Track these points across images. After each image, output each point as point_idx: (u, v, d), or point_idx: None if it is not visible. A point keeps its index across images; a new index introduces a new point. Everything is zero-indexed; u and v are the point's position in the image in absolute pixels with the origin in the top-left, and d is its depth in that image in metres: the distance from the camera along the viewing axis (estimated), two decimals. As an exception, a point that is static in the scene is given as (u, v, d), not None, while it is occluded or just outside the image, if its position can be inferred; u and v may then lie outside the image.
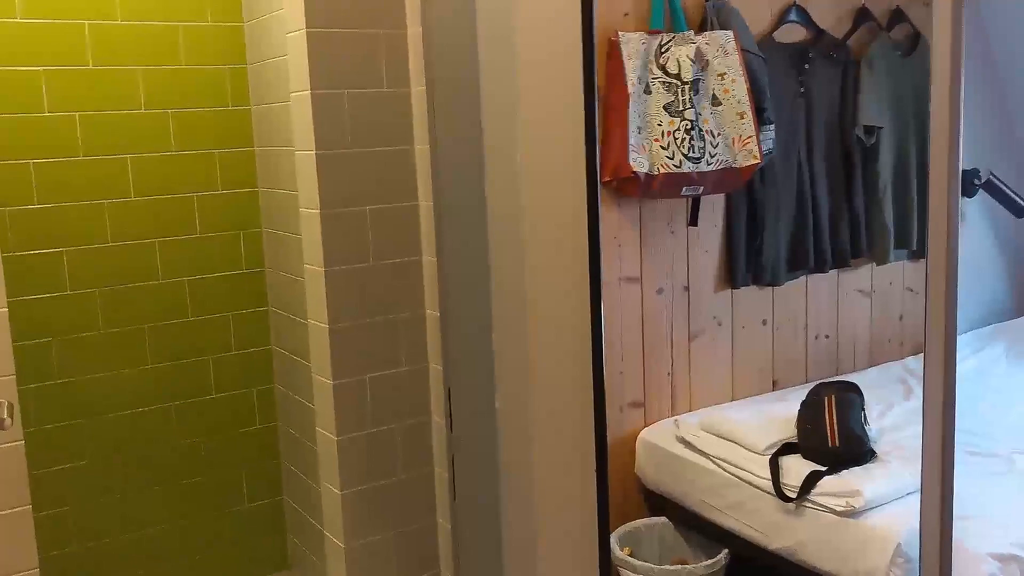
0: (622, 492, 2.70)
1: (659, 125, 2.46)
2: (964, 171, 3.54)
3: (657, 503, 2.69)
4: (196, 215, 2.84)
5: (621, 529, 2.61)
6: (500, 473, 1.32)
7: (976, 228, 3.48)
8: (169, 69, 2.75)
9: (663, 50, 2.49)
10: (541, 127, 1.29)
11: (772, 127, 2.67)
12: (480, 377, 1.34)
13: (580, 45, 1.26)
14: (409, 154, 2.47)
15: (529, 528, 1.43)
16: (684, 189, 2.54)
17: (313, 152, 2.33)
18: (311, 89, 2.30)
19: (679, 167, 2.47)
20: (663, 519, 2.66)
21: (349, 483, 2.41)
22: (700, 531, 2.56)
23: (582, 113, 1.26)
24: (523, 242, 1.27)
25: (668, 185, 2.50)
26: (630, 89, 2.43)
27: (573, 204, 1.29)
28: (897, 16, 3.05)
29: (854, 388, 2.43)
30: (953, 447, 1.59)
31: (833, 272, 3.04)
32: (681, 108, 2.48)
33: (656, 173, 2.45)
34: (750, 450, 2.40)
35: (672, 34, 2.52)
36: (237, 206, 2.89)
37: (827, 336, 3.07)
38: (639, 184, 2.47)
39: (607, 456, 1.37)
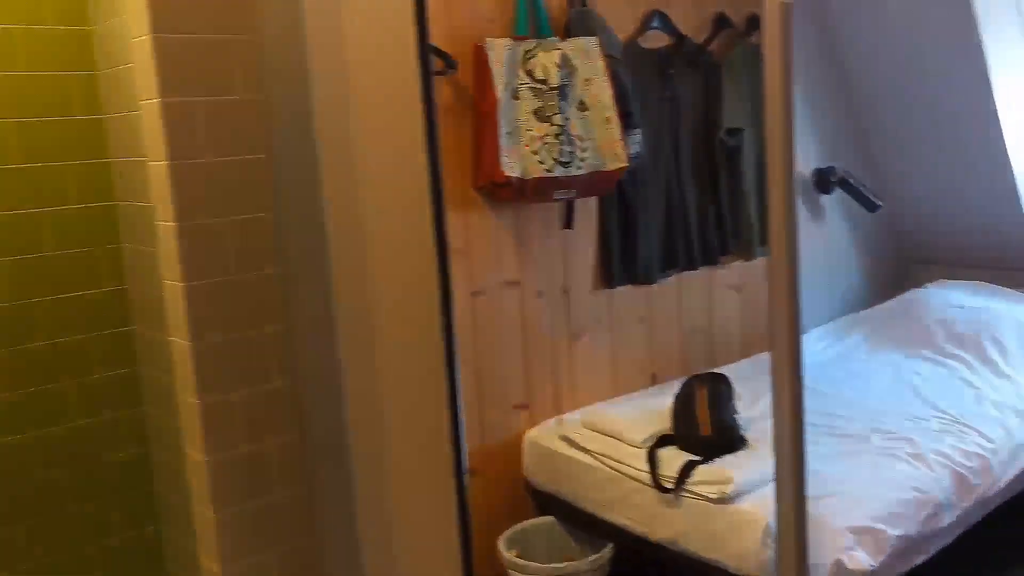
0: (510, 494, 2.82)
1: (529, 131, 2.59)
2: (820, 169, 3.85)
3: (545, 503, 2.81)
4: (47, 232, 2.79)
5: (510, 531, 2.72)
6: (354, 487, 1.38)
7: (834, 223, 3.77)
8: (6, 75, 2.69)
9: (529, 56, 2.62)
10: (378, 136, 1.35)
11: (639, 131, 2.84)
12: (329, 392, 1.38)
13: (415, 52, 1.33)
14: (267, 163, 2.49)
15: (388, 542, 1.48)
16: (556, 193, 2.67)
17: (165, 163, 2.33)
18: (160, 97, 2.30)
19: (550, 172, 2.60)
20: (551, 518, 2.79)
21: (223, 505, 2.42)
22: (587, 528, 2.69)
23: (421, 121, 1.33)
24: (366, 254, 1.33)
25: (541, 190, 2.63)
26: (498, 95, 2.55)
27: (417, 212, 1.36)
28: (755, 22, 3.28)
29: (724, 379, 2.61)
30: (803, 433, 1.76)
31: (704, 269, 3.25)
32: (549, 114, 2.62)
33: (528, 178, 2.58)
34: (629, 444, 2.55)
35: (538, 40, 2.65)
36: (93, 221, 2.85)
37: (701, 331, 3.28)
38: (512, 189, 2.59)
39: (463, 463, 1.44)
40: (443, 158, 2.59)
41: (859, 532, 2.18)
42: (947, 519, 2.40)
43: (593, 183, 2.71)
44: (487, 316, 2.72)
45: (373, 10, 1.35)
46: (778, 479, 1.81)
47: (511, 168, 2.56)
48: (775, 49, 1.74)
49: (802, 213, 3.63)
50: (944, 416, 2.75)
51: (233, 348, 2.40)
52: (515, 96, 2.60)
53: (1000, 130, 3.43)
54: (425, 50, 1.38)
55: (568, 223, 2.88)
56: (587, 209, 2.95)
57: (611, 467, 2.55)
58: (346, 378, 1.34)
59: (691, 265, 3.17)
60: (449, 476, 1.39)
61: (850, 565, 2.13)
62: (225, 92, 2.30)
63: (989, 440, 2.63)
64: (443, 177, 2.58)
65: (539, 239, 2.84)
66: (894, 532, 2.24)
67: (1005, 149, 3.47)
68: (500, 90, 2.57)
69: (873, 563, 2.17)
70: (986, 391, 2.93)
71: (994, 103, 3.39)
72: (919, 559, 2.37)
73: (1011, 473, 2.63)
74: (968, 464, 2.51)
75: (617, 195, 2.97)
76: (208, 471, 2.37)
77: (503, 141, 2.56)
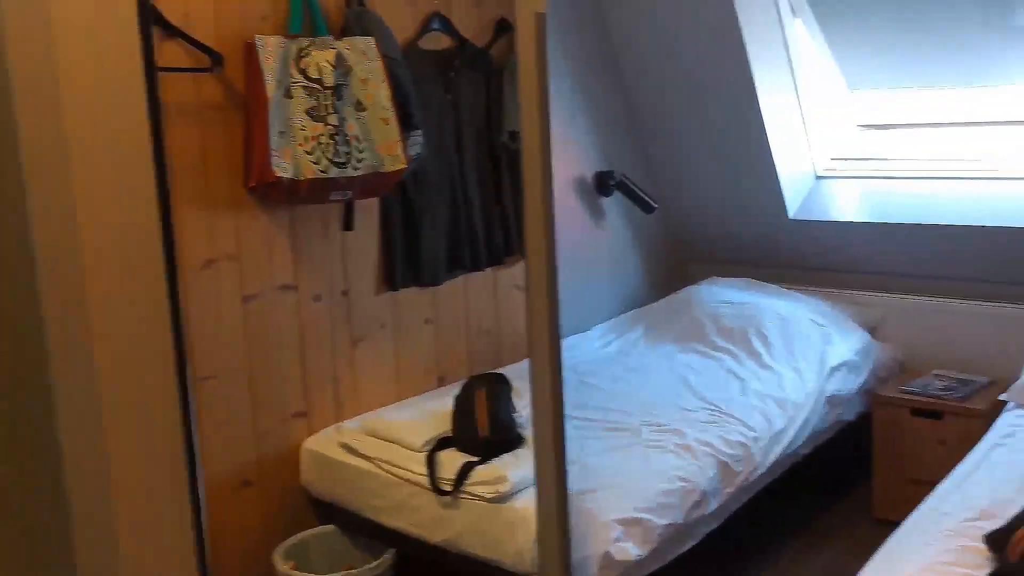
0: (289, 505, 2.72)
1: (302, 130, 2.51)
2: (600, 173, 3.97)
3: (326, 512, 2.75)
4: None
5: (287, 543, 2.63)
6: (73, 521, 1.27)
7: (616, 224, 3.91)
8: None
9: (303, 54, 2.54)
10: (95, 138, 1.26)
11: (420, 132, 2.81)
12: (40, 414, 1.27)
13: (139, 42, 1.25)
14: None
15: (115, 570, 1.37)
16: (333, 194, 2.61)
17: None
18: None
19: (325, 172, 2.53)
20: (331, 527, 2.72)
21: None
22: (368, 535, 2.64)
23: (146, 121, 1.26)
24: (83, 267, 1.24)
25: (315, 190, 2.56)
26: (269, 94, 2.46)
27: (143, 219, 1.28)
28: (535, 26, 3.35)
29: (502, 379, 2.63)
30: (563, 432, 1.80)
31: (490, 270, 3.27)
32: (324, 113, 2.55)
33: (302, 179, 2.50)
34: (409, 448, 2.53)
35: (312, 39, 2.58)
36: None
37: (488, 331, 3.30)
38: (285, 190, 2.51)
39: (199, 480, 1.36)
40: (211, 158, 2.49)
41: (627, 523, 2.25)
42: (712, 505, 2.53)
43: (371, 184, 2.67)
44: (261, 322, 2.63)
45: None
46: (538, 477, 1.85)
47: (283, 168, 2.48)
48: (529, 59, 1.77)
49: (584, 215, 3.74)
50: (711, 407, 2.89)
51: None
52: (288, 95, 2.51)
53: (767, 140, 3.66)
54: (149, 42, 1.29)
55: (348, 224, 2.83)
56: (369, 210, 2.91)
57: (390, 472, 2.53)
58: (58, 397, 1.24)
59: (476, 266, 3.19)
60: (184, 492, 1.32)
61: (618, 556, 2.19)
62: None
63: (751, 428, 2.79)
64: (210, 177, 2.48)
65: (317, 241, 2.77)
66: (661, 521, 2.33)
67: (772, 158, 3.70)
68: (272, 89, 2.48)
69: (640, 553, 2.25)
70: (750, 382, 3.11)
71: (760, 115, 3.60)
72: (687, 545, 2.48)
73: (771, 458, 2.80)
74: (731, 452, 2.65)
75: (400, 196, 2.94)
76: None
77: (274, 141, 2.47)
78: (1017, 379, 2.98)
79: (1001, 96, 3.47)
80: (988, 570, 1.81)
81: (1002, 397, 2.94)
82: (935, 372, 3.46)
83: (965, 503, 2.16)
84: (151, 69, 1.30)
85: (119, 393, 1.31)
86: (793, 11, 3.69)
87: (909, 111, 3.83)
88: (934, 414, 3.19)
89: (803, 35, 3.76)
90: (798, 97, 3.79)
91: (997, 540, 1.85)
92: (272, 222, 2.65)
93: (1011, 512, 1.93)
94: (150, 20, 1.30)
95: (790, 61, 3.73)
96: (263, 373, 2.64)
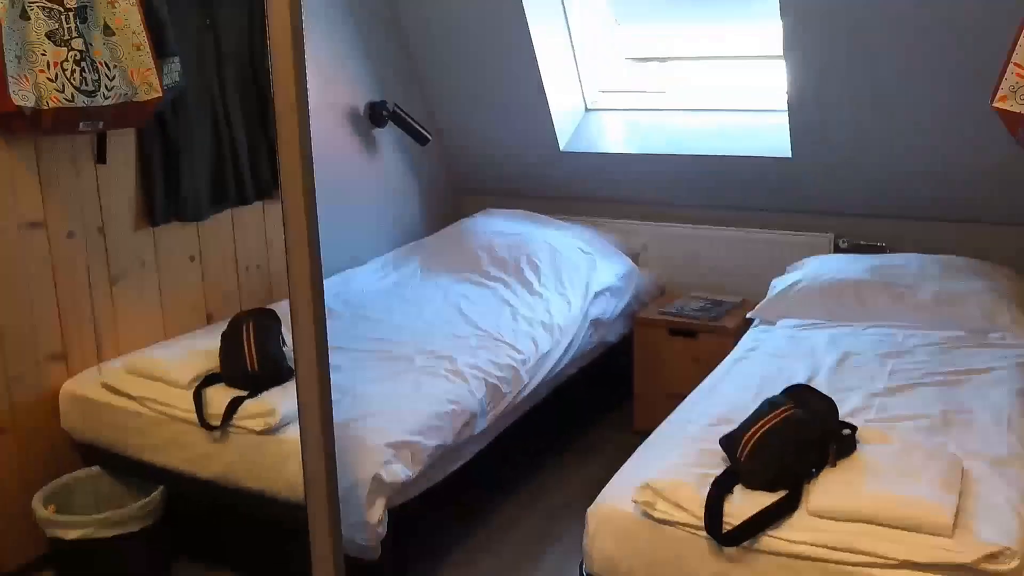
0: (49, 449, 2.70)
1: (43, 55, 2.43)
2: (373, 103, 4.07)
3: (91, 454, 2.74)
4: None
5: (47, 487, 2.62)
6: None
7: (390, 156, 4.01)
8: None
9: (41, -28, 2.45)
10: None
11: (176, 60, 2.77)
12: None
13: None
14: None
15: None
16: (81, 124, 2.54)
17: None
18: None
19: (72, 101, 2.47)
20: (96, 469, 2.73)
21: None
22: (135, 474, 2.67)
23: None
24: None
25: (62, 120, 2.49)
26: (1, 14, 2.37)
27: None
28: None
29: (270, 313, 2.70)
30: (327, 362, 1.91)
31: (259, 203, 3.29)
32: (67, 37, 2.47)
33: (45, 107, 2.43)
34: (175, 386, 2.56)
35: (50, -45, 2.49)
36: None
37: (258, 266, 3.34)
38: (26, 120, 2.43)
39: None
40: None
41: (397, 446, 2.40)
42: (481, 425, 2.73)
43: (125, 114, 2.63)
44: (7, 262, 2.55)
45: None
46: (301, 406, 1.96)
47: (23, 97, 2.39)
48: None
49: (356, 146, 3.82)
50: (483, 333, 3.08)
51: None
52: (24, 16, 2.42)
53: (539, 72, 3.84)
54: None
55: (101, 157, 2.77)
56: (125, 142, 2.86)
57: (157, 410, 2.56)
58: None
59: (244, 200, 3.20)
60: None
61: (387, 478, 2.34)
62: None
63: (519, 352, 3.01)
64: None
65: (67, 175, 2.70)
66: (430, 443, 2.50)
67: (543, 91, 3.90)
68: (3, 8, 2.38)
69: (410, 473, 2.41)
70: (521, 308, 3.33)
71: (532, 47, 3.77)
72: (457, 464, 2.68)
73: (538, 379, 3.05)
74: (500, 375, 2.86)
75: (159, 127, 2.91)
76: None
77: (11, 67, 2.38)
78: (764, 298, 3.37)
79: (757, 32, 3.81)
80: (722, 469, 2.08)
81: (749, 315, 3.33)
82: (692, 294, 3.84)
83: (708, 411, 2.45)
84: None
85: None
86: (562, -56, 3.88)
87: (673, 45, 4.13)
88: (690, 333, 3.56)
89: (573, -32, 3.96)
90: (569, 30, 4.00)
91: (730, 443, 2.13)
92: (15, 155, 2.56)
93: (744, 417, 2.21)
94: None
95: (560, -7, 3.92)
96: (12, 316, 2.58)
